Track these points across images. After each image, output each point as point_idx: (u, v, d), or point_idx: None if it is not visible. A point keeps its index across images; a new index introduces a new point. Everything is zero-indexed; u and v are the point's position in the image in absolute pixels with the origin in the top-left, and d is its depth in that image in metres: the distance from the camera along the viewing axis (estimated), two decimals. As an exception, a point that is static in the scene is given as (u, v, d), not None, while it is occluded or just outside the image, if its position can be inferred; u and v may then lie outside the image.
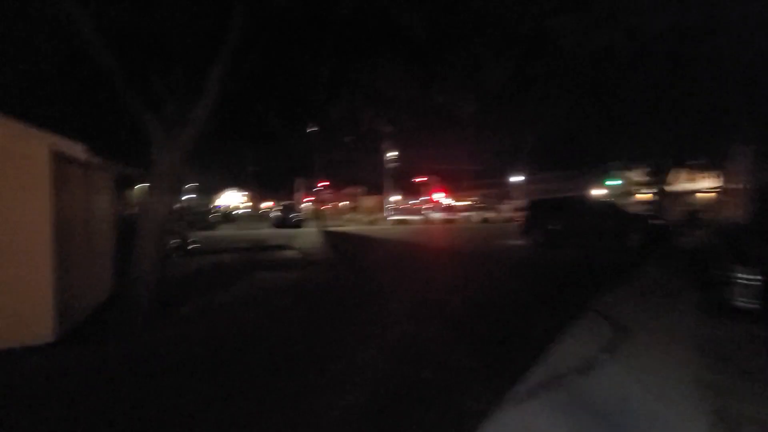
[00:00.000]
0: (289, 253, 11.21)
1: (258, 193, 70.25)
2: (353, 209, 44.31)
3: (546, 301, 5.94)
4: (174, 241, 9.61)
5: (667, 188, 21.58)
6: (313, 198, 69.16)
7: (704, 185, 22.73)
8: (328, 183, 59.47)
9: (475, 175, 56.12)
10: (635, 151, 19.43)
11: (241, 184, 74.28)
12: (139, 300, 5.11)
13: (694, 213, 18.44)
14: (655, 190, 21.86)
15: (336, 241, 16.04)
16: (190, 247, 11.87)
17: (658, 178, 20.61)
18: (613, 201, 15.46)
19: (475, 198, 49.02)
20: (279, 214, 25.42)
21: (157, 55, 5.48)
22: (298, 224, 24.67)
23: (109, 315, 5.29)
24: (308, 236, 17.82)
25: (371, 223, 28.09)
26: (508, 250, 11.87)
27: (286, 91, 8.43)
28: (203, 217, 22.54)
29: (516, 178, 49.58)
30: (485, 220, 30.63)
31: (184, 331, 4.83)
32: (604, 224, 11.11)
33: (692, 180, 24.13)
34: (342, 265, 9.79)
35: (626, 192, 43.66)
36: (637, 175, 41.93)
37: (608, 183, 48.63)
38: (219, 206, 78.51)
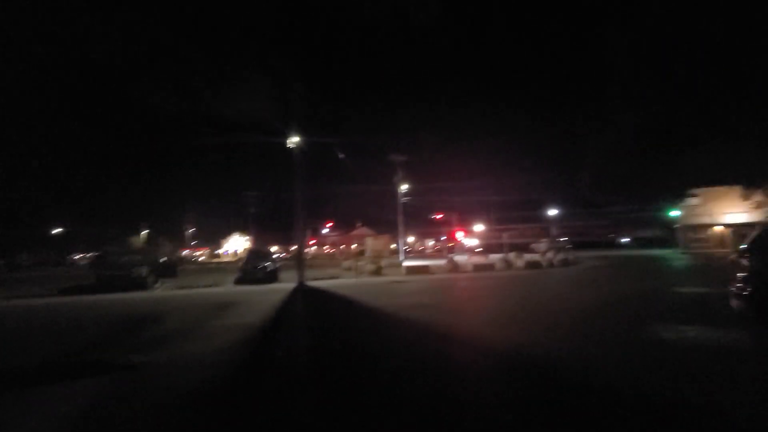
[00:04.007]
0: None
1: (262, 237, 63.51)
2: (359, 253, 36.66)
3: None
4: None
5: None
6: (315, 241, 62.00)
7: None
8: (332, 223, 52.54)
9: (501, 211, 48.44)
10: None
11: (245, 228, 68.27)
12: None
13: None
14: None
15: (297, 318, 8.37)
16: None
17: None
18: None
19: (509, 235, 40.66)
20: (243, 264, 17.91)
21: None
22: (269, 278, 17.11)
23: None
24: (256, 305, 10.17)
25: (377, 272, 20.30)
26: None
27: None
28: (127, 273, 15.15)
29: (557, 213, 41.41)
30: (533, 265, 22.41)
31: None
32: None
33: None
34: None
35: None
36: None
37: (672, 213, 40.16)
38: (226, 252, 71.94)
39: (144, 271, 15.57)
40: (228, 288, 15.68)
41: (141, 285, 15.35)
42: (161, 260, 19.19)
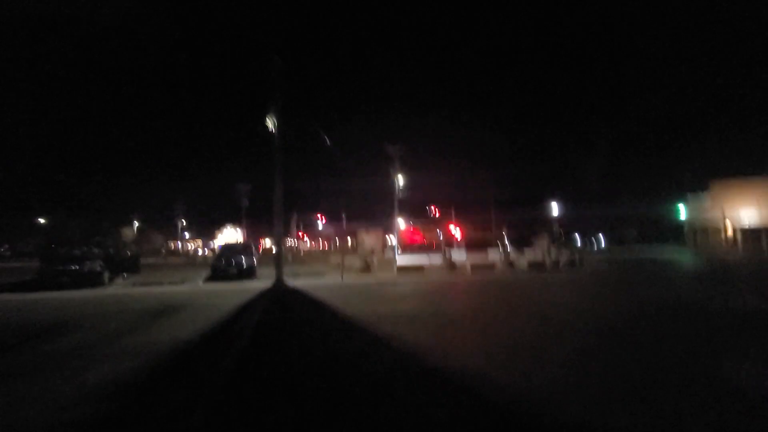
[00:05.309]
0: None
1: (256, 230, 61.51)
2: (352, 249, 34.78)
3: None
4: None
5: None
6: (303, 235, 60.02)
7: None
8: (326, 218, 50.47)
9: (501, 206, 46.54)
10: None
11: (238, 220, 66.34)
12: None
13: None
14: None
15: (244, 334, 6.42)
16: None
17: None
18: None
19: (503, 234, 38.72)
20: (215, 260, 15.98)
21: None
22: (244, 275, 15.20)
23: None
24: (207, 310, 8.26)
25: (366, 270, 18.44)
26: None
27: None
28: (77, 268, 13.15)
29: (560, 208, 39.32)
30: (537, 266, 20.49)
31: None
32: None
33: None
34: None
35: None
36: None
37: (679, 211, 38.31)
38: (219, 246, 69.85)
39: (97, 265, 13.58)
40: (193, 286, 13.76)
41: (94, 281, 13.37)
42: (127, 253, 17.20)
